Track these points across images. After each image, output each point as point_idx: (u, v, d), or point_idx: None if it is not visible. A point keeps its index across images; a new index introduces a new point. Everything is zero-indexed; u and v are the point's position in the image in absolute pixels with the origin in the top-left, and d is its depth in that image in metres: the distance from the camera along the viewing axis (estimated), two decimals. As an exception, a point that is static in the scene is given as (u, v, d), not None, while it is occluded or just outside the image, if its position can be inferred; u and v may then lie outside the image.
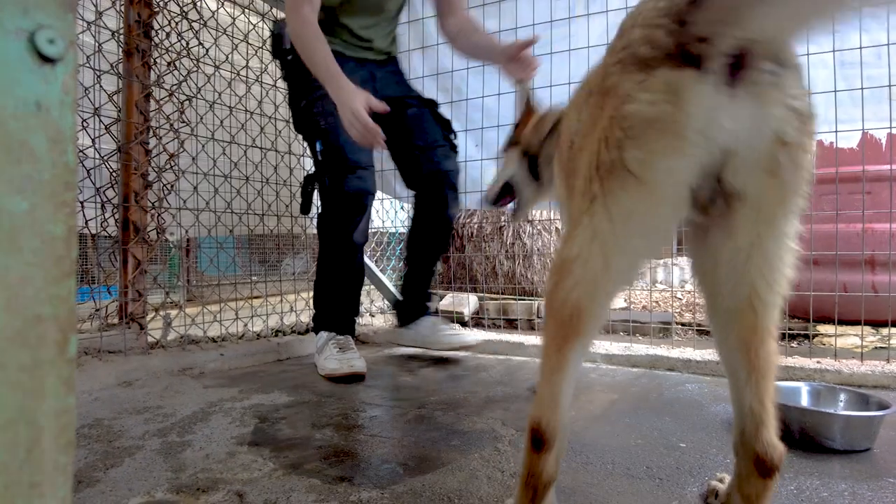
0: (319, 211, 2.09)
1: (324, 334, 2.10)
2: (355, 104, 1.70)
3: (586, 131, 0.79)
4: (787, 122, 0.68)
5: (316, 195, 2.13)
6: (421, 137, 2.13)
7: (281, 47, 2.10)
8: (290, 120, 2.29)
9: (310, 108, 2.01)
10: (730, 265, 0.79)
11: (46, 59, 0.40)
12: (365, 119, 1.69)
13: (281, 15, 2.78)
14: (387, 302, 3.02)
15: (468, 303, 3.11)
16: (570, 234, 0.80)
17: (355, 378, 1.90)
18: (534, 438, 0.79)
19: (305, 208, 2.18)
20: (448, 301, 3.15)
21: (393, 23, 2.22)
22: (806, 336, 2.55)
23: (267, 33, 2.70)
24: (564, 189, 1.04)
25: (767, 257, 0.78)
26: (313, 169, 2.13)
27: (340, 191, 1.95)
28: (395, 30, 2.25)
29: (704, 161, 0.69)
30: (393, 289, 2.85)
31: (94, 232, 2.06)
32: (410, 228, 2.26)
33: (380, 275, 2.87)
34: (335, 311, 2.14)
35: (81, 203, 1.98)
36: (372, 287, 2.89)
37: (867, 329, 2.24)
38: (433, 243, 2.25)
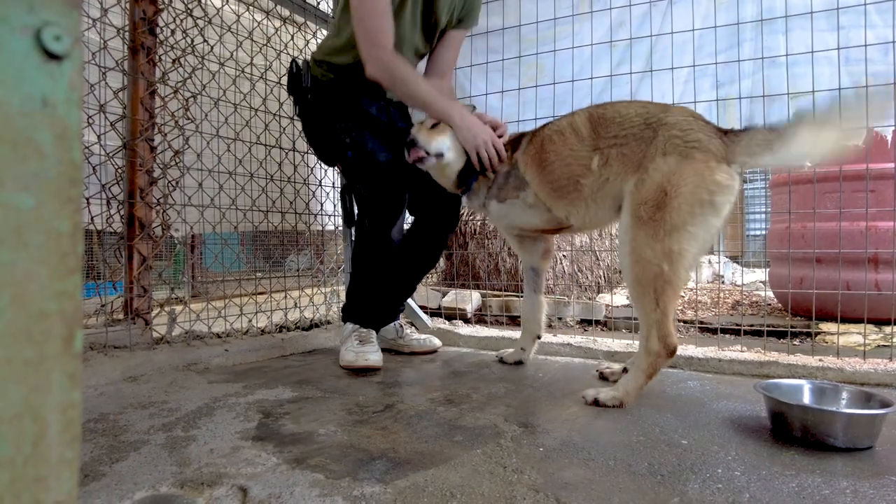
0: (358, 212, 2.20)
1: (349, 325, 2.19)
2: (489, 134, 1.87)
3: (680, 179, 1.48)
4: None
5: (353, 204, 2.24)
6: None
7: (300, 84, 2.14)
8: (302, 133, 2.34)
9: (334, 132, 2.09)
10: None
11: (52, 56, 0.40)
12: (499, 146, 1.87)
13: (289, 14, 2.78)
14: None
15: (471, 299, 3.11)
16: (671, 236, 1.47)
17: (369, 371, 1.99)
18: (671, 352, 1.52)
19: (349, 220, 2.27)
20: (451, 298, 3.15)
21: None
22: (808, 334, 2.55)
23: (272, 30, 2.71)
24: (549, 192, 1.77)
25: None
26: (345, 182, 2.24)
27: (379, 190, 2.05)
28: None
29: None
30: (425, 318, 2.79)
31: (99, 228, 2.06)
32: (407, 240, 2.26)
33: (417, 308, 2.82)
34: (363, 305, 2.21)
35: (87, 199, 1.99)
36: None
37: (870, 327, 2.24)
38: (430, 259, 2.28)
